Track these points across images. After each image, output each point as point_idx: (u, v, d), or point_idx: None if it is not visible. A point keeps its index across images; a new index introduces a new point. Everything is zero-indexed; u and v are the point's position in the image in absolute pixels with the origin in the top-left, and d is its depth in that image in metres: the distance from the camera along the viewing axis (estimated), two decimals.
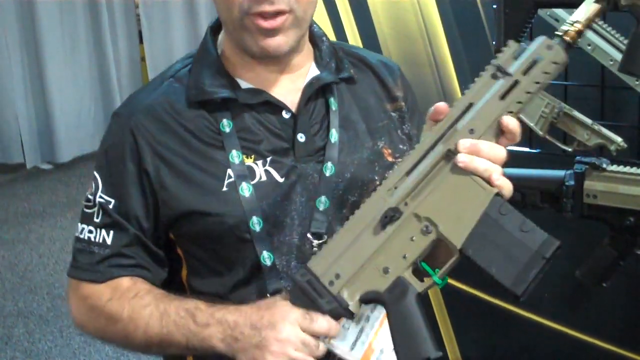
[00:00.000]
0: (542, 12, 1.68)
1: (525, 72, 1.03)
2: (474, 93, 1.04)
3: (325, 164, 1.20)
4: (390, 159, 1.26)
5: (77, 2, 5.48)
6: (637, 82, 1.66)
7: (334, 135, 1.22)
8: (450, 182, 1.03)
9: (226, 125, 1.19)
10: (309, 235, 1.18)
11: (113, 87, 5.69)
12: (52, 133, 5.40)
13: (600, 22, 1.67)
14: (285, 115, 1.21)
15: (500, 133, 1.03)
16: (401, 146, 1.28)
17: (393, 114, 1.30)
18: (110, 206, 1.20)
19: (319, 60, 1.26)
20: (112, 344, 1.24)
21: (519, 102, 1.03)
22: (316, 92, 1.23)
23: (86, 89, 5.60)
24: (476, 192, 1.02)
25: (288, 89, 1.22)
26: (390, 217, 1.04)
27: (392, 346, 1.06)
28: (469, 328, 2.23)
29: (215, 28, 1.26)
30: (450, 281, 2.11)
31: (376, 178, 1.22)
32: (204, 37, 1.26)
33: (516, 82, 1.03)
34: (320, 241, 1.17)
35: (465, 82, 2.04)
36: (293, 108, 1.21)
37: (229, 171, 1.17)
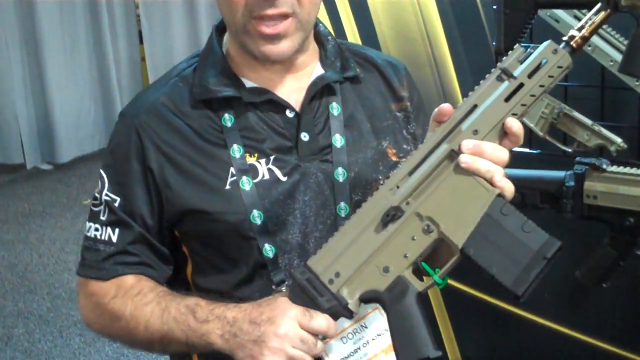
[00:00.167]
0: (542, 13, 1.68)
1: (531, 75, 1.04)
2: (478, 95, 1.05)
3: (336, 169, 1.21)
4: (394, 158, 1.26)
5: (77, 2, 5.48)
6: (637, 83, 1.66)
7: (340, 140, 1.22)
8: (453, 182, 1.03)
9: (228, 119, 1.20)
10: None
11: (113, 88, 5.69)
12: (52, 133, 5.40)
13: None
14: (289, 114, 1.22)
15: (503, 135, 1.05)
16: (405, 146, 1.28)
17: (398, 114, 1.30)
18: (116, 204, 1.21)
19: (324, 60, 1.27)
20: (117, 341, 1.26)
21: (523, 105, 1.04)
22: (320, 91, 1.24)
23: (86, 89, 5.60)
24: (478, 192, 1.03)
25: (292, 88, 1.23)
26: (392, 215, 1.04)
27: None
28: (469, 328, 2.22)
29: (221, 27, 1.27)
30: (450, 281, 2.11)
31: (380, 177, 1.23)
32: (209, 37, 1.27)
33: (521, 85, 1.04)
34: None
35: (465, 82, 2.04)
36: (297, 107, 1.22)
37: (232, 169, 1.18)
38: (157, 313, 1.15)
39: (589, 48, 1.67)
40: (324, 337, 1.08)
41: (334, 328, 1.07)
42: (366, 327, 1.13)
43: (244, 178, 1.18)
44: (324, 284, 1.06)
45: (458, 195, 1.03)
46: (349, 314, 1.07)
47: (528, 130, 1.69)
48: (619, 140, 1.65)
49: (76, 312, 3.35)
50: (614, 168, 1.52)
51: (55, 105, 5.39)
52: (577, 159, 1.55)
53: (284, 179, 1.20)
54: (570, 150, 1.70)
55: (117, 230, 1.21)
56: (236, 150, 1.19)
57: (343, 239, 1.07)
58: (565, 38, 1.05)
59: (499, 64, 1.06)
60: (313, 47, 1.26)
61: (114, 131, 1.26)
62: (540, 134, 1.70)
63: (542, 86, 1.04)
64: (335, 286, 1.06)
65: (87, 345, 3.14)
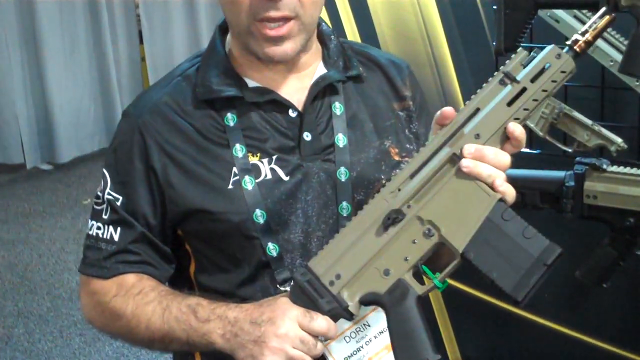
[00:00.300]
0: (542, 13, 1.68)
1: (534, 79, 1.04)
2: (481, 98, 1.05)
3: (339, 169, 1.21)
4: (396, 158, 1.26)
5: (77, 2, 5.48)
6: (637, 83, 1.66)
7: (343, 140, 1.22)
8: (454, 186, 1.03)
9: (230, 119, 1.20)
10: None
11: (113, 88, 5.68)
12: (52, 133, 5.40)
13: None
14: (292, 113, 1.22)
15: (505, 139, 1.05)
16: (408, 145, 1.28)
17: (400, 113, 1.30)
18: (118, 203, 1.22)
19: (326, 59, 1.27)
20: (118, 339, 1.27)
21: (526, 110, 1.04)
22: (323, 91, 1.24)
23: (86, 89, 5.59)
24: (479, 197, 1.03)
25: (295, 88, 1.23)
26: (392, 219, 1.04)
27: None
28: (469, 328, 2.22)
29: (224, 27, 1.27)
30: (451, 281, 2.10)
31: (382, 177, 1.23)
32: (212, 36, 1.27)
33: (524, 89, 1.04)
34: None
35: (465, 82, 2.04)
36: (300, 107, 1.22)
37: (235, 169, 1.18)
38: (158, 312, 1.16)
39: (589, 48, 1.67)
40: (324, 338, 1.08)
41: (334, 330, 1.07)
42: (369, 326, 1.13)
43: (247, 178, 1.18)
44: (325, 285, 1.06)
45: (459, 199, 1.03)
46: (349, 316, 1.07)
47: (528, 130, 1.68)
48: (619, 140, 1.65)
49: (76, 312, 3.35)
50: (614, 168, 1.52)
51: (55, 105, 5.38)
52: (577, 159, 1.55)
53: (286, 178, 1.20)
54: (570, 150, 1.70)
55: (119, 229, 1.22)
56: (239, 150, 1.19)
57: (344, 240, 1.07)
58: (568, 42, 1.05)
59: (502, 67, 1.05)
60: (316, 47, 1.26)
61: (117, 130, 1.27)
62: (541, 134, 1.70)
63: (545, 91, 1.04)
64: (335, 288, 1.06)
65: (87, 345, 3.14)
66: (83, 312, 1.29)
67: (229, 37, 1.27)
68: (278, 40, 1.14)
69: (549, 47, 1.05)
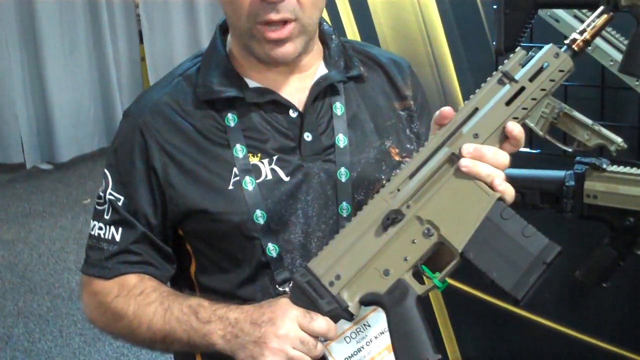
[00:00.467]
0: (542, 13, 1.68)
1: (532, 78, 1.03)
2: (479, 98, 1.05)
3: (339, 169, 1.21)
4: (397, 158, 1.26)
5: (77, 2, 5.48)
6: (637, 83, 1.66)
7: (343, 140, 1.22)
8: (453, 185, 1.03)
9: (231, 119, 1.20)
10: None
11: (113, 87, 5.68)
12: (52, 133, 5.40)
13: None
14: (293, 114, 1.22)
15: (504, 139, 1.04)
16: (409, 145, 1.28)
17: (401, 112, 1.30)
18: (120, 203, 1.22)
19: (327, 59, 1.27)
20: (120, 339, 1.27)
21: (524, 109, 1.04)
22: (324, 91, 1.24)
23: (86, 89, 5.59)
24: (479, 196, 1.03)
25: (296, 88, 1.23)
26: (392, 219, 1.04)
27: None
28: (469, 328, 2.22)
29: (225, 27, 1.27)
30: (451, 281, 2.10)
31: (383, 177, 1.23)
32: (213, 36, 1.27)
33: (522, 89, 1.03)
34: None
35: (465, 82, 2.04)
36: (300, 107, 1.22)
37: (235, 170, 1.18)
38: (159, 313, 1.16)
39: (589, 48, 1.67)
40: (324, 339, 1.08)
41: (334, 330, 1.07)
42: (369, 326, 1.13)
43: (247, 178, 1.18)
44: (325, 286, 1.06)
45: (458, 199, 1.03)
46: (349, 317, 1.07)
47: (528, 130, 1.69)
48: (619, 140, 1.65)
49: (76, 311, 3.35)
50: (614, 168, 1.52)
51: (55, 105, 5.38)
52: (577, 158, 1.55)
53: (286, 179, 1.20)
54: (570, 150, 1.70)
55: (120, 229, 1.22)
56: (239, 151, 1.19)
57: (344, 241, 1.07)
58: (567, 41, 1.05)
59: (500, 67, 1.05)
60: (317, 47, 1.27)
61: (118, 130, 1.27)
62: (541, 133, 1.70)
63: (543, 90, 1.04)
64: (335, 289, 1.06)
65: (87, 345, 3.14)
66: (85, 312, 1.29)
67: (229, 37, 1.27)
68: (279, 42, 1.14)
69: (547, 47, 1.05)
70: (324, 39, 1.28)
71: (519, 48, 1.06)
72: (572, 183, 1.52)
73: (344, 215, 1.21)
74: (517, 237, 1.02)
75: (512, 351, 2.18)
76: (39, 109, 5.41)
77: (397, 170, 1.07)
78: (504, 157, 1.04)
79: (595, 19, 1.06)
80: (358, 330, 1.13)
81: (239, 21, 1.16)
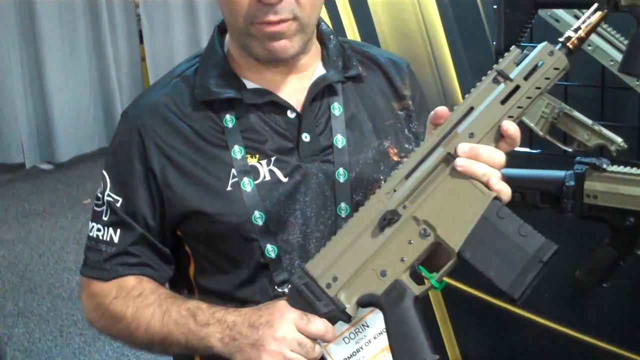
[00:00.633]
0: (543, 13, 1.68)
1: (527, 77, 1.03)
2: (474, 97, 1.05)
3: (337, 169, 1.21)
4: (395, 158, 1.26)
5: (77, 2, 5.48)
6: (638, 83, 1.66)
7: (341, 140, 1.22)
8: (449, 185, 1.03)
9: (229, 120, 1.20)
10: None
11: (113, 87, 5.69)
12: (52, 133, 5.40)
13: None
14: (291, 115, 1.21)
15: (500, 137, 1.04)
16: (407, 145, 1.28)
17: (400, 112, 1.30)
18: (118, 205, 1.22)
19: (325, 59, 1.27)
20: (118, 341, 1.27)
21: (520, 107, 1.03)
22: (322, 92, 1.24)
23: (86, 89, 5.59)
24: (474, 195, 1.02)
25: (294, 89, 1.23)
26: (388, 219, 1.04)
27: None
28: (469, 328, 2.22)
29: (223, 27, 1.27)
30: (451, 281, 2.11)
31: (381, 178, 1.23)
32: (211, 37, 1.27)
33: (517, 87, 1.03)
34: None
35: (465, 82, 2.04)
36: (298, 108, 1.22)
37: (233, 171, 1.18)
38: (157, 315, 1.16)
39: (589, 48, 1.67)
40: (322, 340, 1.08)
41: (331, 332, 1.07)
42: (368, 326, 1.13)
43: (245, 179, 1.18)
44: (322, 288, 1.06)
45: (454, 198, 1.03)
46: (347, 318, 1.07)
47: (528, 130, 1.69)
48: (619, 140, 1.65)
49: (76, 311, 3.35)
50: (614, 168, 1.52)
51: (55, 105, 5.38)
52: (578, 158, 1.55)
53: (284, 180, 1.20)
54: (570, 150, 1.70)
55: (118, 231, 1.22)
56: (237, 152, 1.19)
57: (340, 242, 1.06)
58: (561, 39, 1.05)
59: (495, 66, 1.05)
60: (315, 47, 1.26)
61: (117, 131, 1.26)
62: (541, 133, 1.70)
63: (538, 88, 1.03)
64: (332, 290, 1.06)
65: (87, 345, 3.14)
66: (84, 313, 1.29)
67: (227, 37, 1.26)
68: (276, 35, 1.14)
69: (541, 45, 1.04)
70: (322, 39, 1.28)
71: (513, 47, 1.06)
72: (572, 183, 1.52)
73: (343, 215, 1.20)
74: (514, 236, 1.01)
75: (512, 351, 2.18)
76: (39, 109, 5.41)
77: (394, 170, 1.07)
78: (500, 156, 1.04)
79: (590, 16, 1.06)
80: (357, 330, 1.13)
81: (236, 22, 1.15)
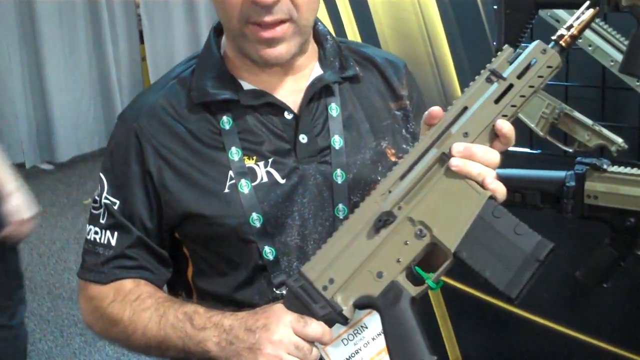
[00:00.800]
0: (543, 13, 1.68)
1: (520, 75, 1.03)
2: (468, 97, 1.04)
3: (335, 170, 1.20)
4: (393, 159, 1.26)
5: (77, 2, 5.48)
6: (638, 83, 1.66)
7: (339, 141, 1.22)
8: (444, 185, 1.03)
9: (226, 122, 1.19)
10: None
11: (113, 87, 5.69)
12: (52, 133, 5.40)
13: (601, 23, 1.67)
14: (288, 116, 1.21)
15: (494, 137, 1.04)
16: (405, 146, 1.28)
17: (397, 113, 1.29)
18: (115, 207, 1.21)
19: (322, 60, 1.26)
20: (116, 344, 1.26)
21: (513, 106, 1.03)
22: (319, 93, 1.23)
23: (86, 89, 5.60)
24: (470, 195, 1.02)
25: (291, 90, 1.22)
26: (384, 221, 1.04)
27: None
28: (469, 328, 2.22)
29: (219, 29, 1.26)
30: (451, 281, 2.11)
31: (379, 178, 1.22)
32: (207, 38, 1.26)
33: (510, 86, 1.03)
34: None
35: (465, 82, 2.03)
36: (295, 109, 1.21)
37: (231, 173, 1.18)
38: (155, 319, 1.15)
39: (590, 48, 1.67)
40: (320, 343, 1.08)
41: (328, 335, 1.07)
42: (366, 328, 1.13)
43: (243, 181, 1.17)
44: (318, 290, 1.05)
45: (450, 198, 1.02)
46: (344, 321, 1.06)
47: (529, 131, 1.69)
48: (619, 140, 1.65)
49: (76, 312, 3.35)
50: (615, 168, 1.52)
51: (55, 105, 5.39)
52: (578, 159, 1.55)
53: (282, 181, 1.19)
54: (571, 150, 1.70)
55: (116, 233, 1.21)
56: (235, 153, 1.19)
57: (336, 245, 1.06)
58: (554, 37, 1.05)
59: (488, 65, 1.05)
60: (312, 48, 1.25)
61: (114, 133, 1.26)
62: (541, 134, 1.70)
63: (531, 86, 1.03)
64: (329, 293, 1.05)
65: (88, 345, 3.14)
66: (82, 316, 1.29)
67: (224, 38, 1.26)
68: (272, 42, 1.13)
69: (534, 43, 1.04)
70: (318, 40, 1.27)
71: (506, 45, 1.06)
72: (573, 183, 1.52)
73: (341, 216, 1.20)
74: (510, 235, 1.01)
75: (512, 351, 2.18)
76: (39, 109, 5.41)
77: (389, 171, 1.07)
78: (495, 156, 1.03)
79: (582, 13, 1.05)
80: (355, 332, 1.13)
81: (230, 23, 1.15)
